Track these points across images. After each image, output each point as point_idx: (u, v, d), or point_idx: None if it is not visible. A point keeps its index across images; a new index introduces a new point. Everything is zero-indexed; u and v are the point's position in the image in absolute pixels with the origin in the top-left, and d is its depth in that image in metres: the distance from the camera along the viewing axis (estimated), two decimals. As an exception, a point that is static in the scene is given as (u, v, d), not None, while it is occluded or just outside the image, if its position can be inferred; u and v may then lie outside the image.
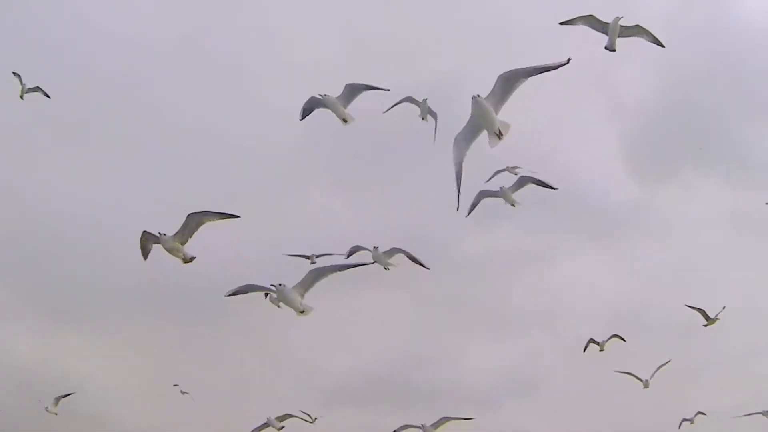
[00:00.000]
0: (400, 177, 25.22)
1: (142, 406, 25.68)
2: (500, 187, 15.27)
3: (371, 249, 16.73)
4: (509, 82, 10.48)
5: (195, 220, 11.86)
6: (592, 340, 19.62)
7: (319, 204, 27.08)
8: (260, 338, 26.30)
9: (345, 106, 13.92)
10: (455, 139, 11.38)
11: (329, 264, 12.60)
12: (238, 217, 12.01)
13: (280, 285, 12.28)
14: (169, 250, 12.20)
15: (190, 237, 12.08)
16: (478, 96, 10.21)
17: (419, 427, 17.67)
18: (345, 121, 14.05)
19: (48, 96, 18.65)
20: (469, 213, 15.16)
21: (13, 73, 18.25)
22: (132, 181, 26.09)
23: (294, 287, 12.34)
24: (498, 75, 10.01)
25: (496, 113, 10.55)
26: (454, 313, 26.83)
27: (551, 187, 14.97)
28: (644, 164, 28.57)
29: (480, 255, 27.69)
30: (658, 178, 28.85)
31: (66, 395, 21.13)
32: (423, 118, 16.27)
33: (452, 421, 17.69)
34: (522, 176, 15.25)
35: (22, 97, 18.47)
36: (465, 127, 10.75)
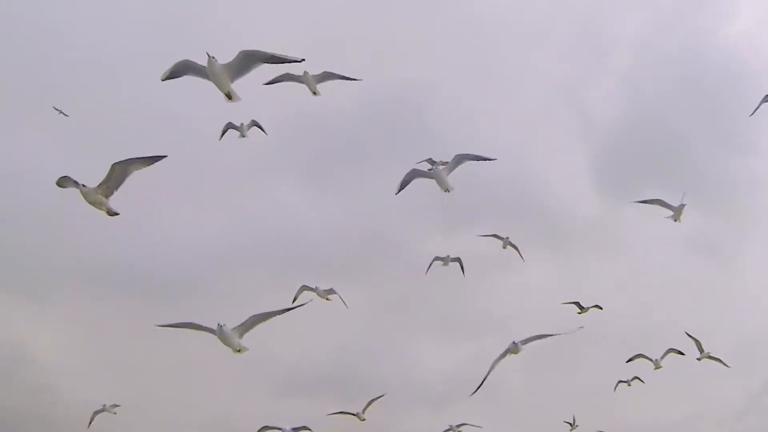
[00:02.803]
0: (366, 176, 25.52)
1: (91, 380, 25.71)
2: (434, 167, 14.80)
3: (314, 288, 18.77)
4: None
5: (120, 170, 11.07)
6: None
7: (285, 197, 27.26)
8: (212, 325, 26.51)
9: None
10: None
11: (270, 310, 12.51)
12: (165, 156, 11.32)
13: (220, 326, 12.26)
14: (92, 203, 11.32)
15: (116, 189, 11.30)
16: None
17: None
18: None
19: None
20: (399, 191, 14.76)
21: None
22: (95, 159, 26.02)
23: (234, 329, 12.40)
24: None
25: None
26: (410, 312, 27.21)
27: (489, 159, 14.41)
28: (610, 182, 29.16)
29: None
30: (622, 197, 29.45)
31: None
32: (315, 93, 15.52)
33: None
34: (457, 155, 14.54)
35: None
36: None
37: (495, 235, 21.01)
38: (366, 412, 19.78)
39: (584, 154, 29.60)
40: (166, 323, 12.20)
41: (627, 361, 20.82)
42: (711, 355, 19.92)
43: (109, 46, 26.22)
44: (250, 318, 12.44)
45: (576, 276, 26.49)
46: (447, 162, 14.60)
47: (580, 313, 20.70)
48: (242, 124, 18.65)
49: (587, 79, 29.91)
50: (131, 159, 11.00)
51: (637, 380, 21.13)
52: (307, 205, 26.76)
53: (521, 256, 20.96)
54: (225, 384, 26.12)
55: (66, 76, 25.39)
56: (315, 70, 14.56)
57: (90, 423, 21.25)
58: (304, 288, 18.96)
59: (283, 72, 14.96)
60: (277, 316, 12.34)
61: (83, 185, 11.01)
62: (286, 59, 10.69)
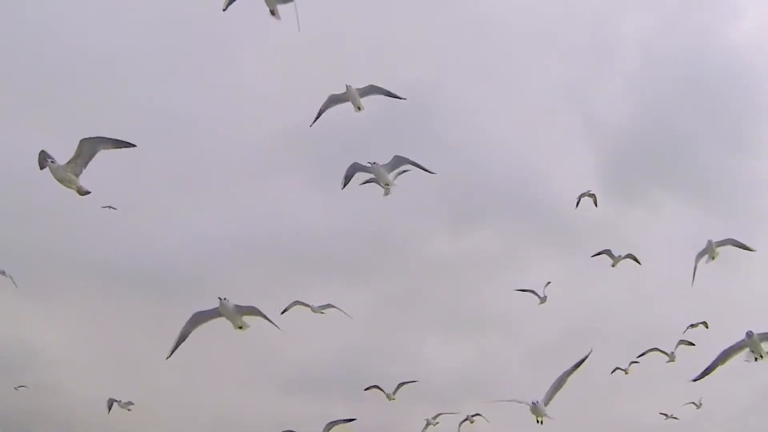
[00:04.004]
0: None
1: (98, 378, 25.92)
2: (373, 162, 14.77)
3: (309, 304, 19.04)
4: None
5: (88, 147, 10.91)
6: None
7: (290, 197, 27.45)
8: (217, 323, 26.67)
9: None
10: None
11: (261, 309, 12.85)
12: (134, 145, 11.20)
13: (222, 299, 12.42)
14: (60, 180, 11.06)
15: (84, 167, 11.07)
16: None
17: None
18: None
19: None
20: (344, 186, 14.95)
21: None
22: (100, 159, 26.19)
23: (236, 305, 12.61)
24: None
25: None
26: (415, 310, 27.39)
27: (428, 171, 14.97)
28: (615, 182, 29.25)
29: (448, 256, 28.34)
30: (628, 198, 29.56)
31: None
32: (359, 108, 15.16)
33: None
34: (396, 155, 14.94)
35: None
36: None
37: (532, 291, 21.01)
38: (396, 394, 20.20)
39: (590, 154, 29.73)
40: (171, 349, 12.40)
41: (639, 356, 20.82)
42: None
43: (114, 44, 26.42)
44: (249, 306, 12.72)
45: (581, 276, 26.56)
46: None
47: (613, 265, 20.23)
48: None
49: (593, 80, 30.03)
50: (101, 137, 10.92)
51: (635, 364, 21.15)
52: (312, 205, 26.95)
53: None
54: (232, 381, 26.32)
55: (70, 75, 25.60)
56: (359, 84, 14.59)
57: (110, 409, 21.63)
58: (298, 303, 19.26)
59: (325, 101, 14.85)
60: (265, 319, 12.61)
61: (52, 161, 10.83)
62: None
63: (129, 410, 21.72)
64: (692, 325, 20.18)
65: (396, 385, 20.28)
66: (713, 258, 16.56)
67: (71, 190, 11.29)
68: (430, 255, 27.96)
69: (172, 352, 12.39)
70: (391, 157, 14.73)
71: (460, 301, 27.07)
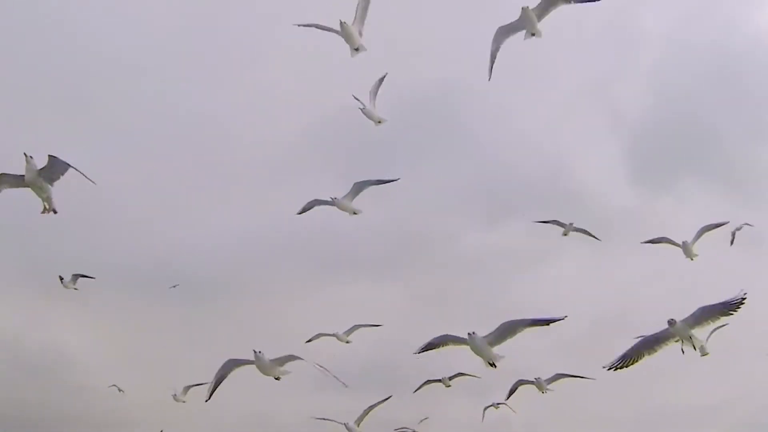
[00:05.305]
0: (402, 173, 25.81)
1: (129, 379, 26.23)
2: (333, 197, 15.81)
3: (333, 333, 19.98)
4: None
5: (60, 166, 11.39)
6: None
7: (320, 195, 27.62)
8: (252, 322, 26.91)
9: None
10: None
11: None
12: (92, 182, 11.58)
13: (258, 352, 13.35)
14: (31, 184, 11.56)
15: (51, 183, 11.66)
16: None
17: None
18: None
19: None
20: (300, 213, 16.43)
21: None
22: (131, 162, 26.60)
23: (272, 360, 13.47)
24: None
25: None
26: (445, 305, 27.46)
27: (390, 180, 15.70)
28: (642, 173, 29.26)
29: (477, 250, 28.44)
30: (656, 189, 29.54)
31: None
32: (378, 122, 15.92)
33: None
34: (356, 182, 15.86)
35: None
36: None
37: (555, 221, 20.59)
38: (452, 381, 20.29)
39: (616, 146, 29.75)
40: (209, 391, 13.43)
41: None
42: None
43: (136, 46, 26.71)
44: (289, 355, 13.61)
45: (611, 266, 26.58)
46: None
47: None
48: None
49: (617, 72, 30.05)
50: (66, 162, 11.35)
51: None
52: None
53: (594, 236, 20.55)
54: (263, 378, 26.49)
55: (91, 78, 25.91)
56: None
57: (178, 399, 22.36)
58: (321, 335, 20.03)
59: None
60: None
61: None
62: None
63: (184, 401, 22.20)
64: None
65: (454, 374, 20.38)
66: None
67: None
68: (459, 250, 28.10)
69: (210, 395, 13.47)
70: (352, 184, 15.73)
71: (490, 295, 27.17)
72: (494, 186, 27.02)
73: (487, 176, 26.70)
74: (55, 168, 11.43)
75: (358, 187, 15.72)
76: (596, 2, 12.59)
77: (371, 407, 20.16)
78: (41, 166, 11.41)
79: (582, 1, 12.67)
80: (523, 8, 12.60)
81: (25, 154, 11.35)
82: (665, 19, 30.72)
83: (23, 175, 11.46)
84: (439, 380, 20.68)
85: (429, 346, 13.61)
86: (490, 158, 26.98)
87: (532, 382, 17.80)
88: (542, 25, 12.82)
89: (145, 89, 26.92)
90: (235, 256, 27.04)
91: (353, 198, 15.51)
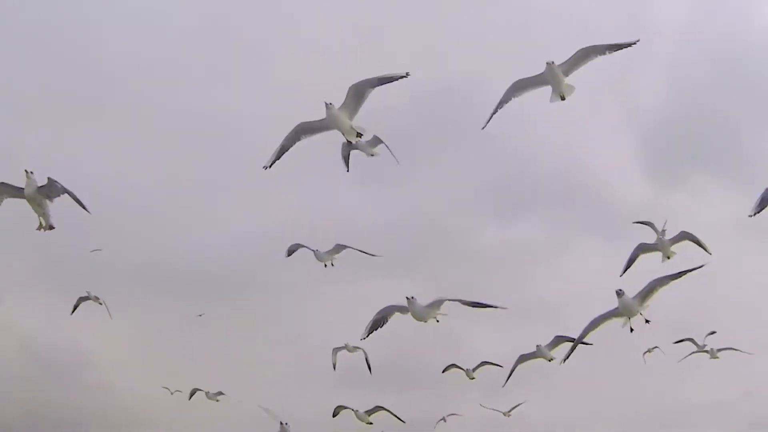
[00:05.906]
0: (419, 170, 25.93)
1: (149, 378, 26.47)
2: (315, 249, 17.85)
3: (344, 345, 20.35)
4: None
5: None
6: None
7: (340, 191, 27.76)
8: (268, 320, 27.05)
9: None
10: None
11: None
12: (85, 210, 11.91)
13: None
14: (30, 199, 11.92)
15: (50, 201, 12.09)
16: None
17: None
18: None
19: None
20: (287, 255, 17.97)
21: None
22: (150, 161, 26.78)
23: None
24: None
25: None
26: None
27: (371, 254, 17.39)
28: (658, 167, 29.23)
29: (496, 246, 28.53)
30: (671, 182, 29.50)
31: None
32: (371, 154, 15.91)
33: None
34: (337, 244, 17.93)
35: None
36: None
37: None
38: (476, 372, 20.43)
39: (631, 139, 29.72)
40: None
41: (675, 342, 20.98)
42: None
43: (152, 45, 26.84)
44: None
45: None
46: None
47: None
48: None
49: (631, 65, 29.94)
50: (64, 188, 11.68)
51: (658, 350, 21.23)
52: (357, 199, 27.25)
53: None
54: (283, 374, 26.68)
55: (109, 79, 26.09)
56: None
57: (190, 396, 23.49)
58: (336, 350, 20.55)
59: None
60: None
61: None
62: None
63: (218, 401, 22.58)
64: None
65: (478, 363, 20.52)
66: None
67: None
68: (477, 245, 28.18)
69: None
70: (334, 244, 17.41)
71: (509, 290, 27.22)
72: (511, 181, 27.08)
73: (505, 172, 26.74)
74: (53, 190, 11.87)
75: (338, 248, 17.73)
76: (633, 45, 11.89)
77: (384, 408, 20.35)
78: (41, 185, 11.82)
79: (618, 49, 11.88)
80: (547, 64, 11.46)
81: (25, 170, 11.70)
82: (680, 12, 30.65)
83: (23, 188, 11.83)
84: (464, 369, 20.78)
85: (375, 324, 15.01)
86: (508, 153, 26.99)
87: (534, 355, 17.72)
88: (571, 80, 11.71)
89: (161, 85, 27.13)
90: (251, 254, 27.20)
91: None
